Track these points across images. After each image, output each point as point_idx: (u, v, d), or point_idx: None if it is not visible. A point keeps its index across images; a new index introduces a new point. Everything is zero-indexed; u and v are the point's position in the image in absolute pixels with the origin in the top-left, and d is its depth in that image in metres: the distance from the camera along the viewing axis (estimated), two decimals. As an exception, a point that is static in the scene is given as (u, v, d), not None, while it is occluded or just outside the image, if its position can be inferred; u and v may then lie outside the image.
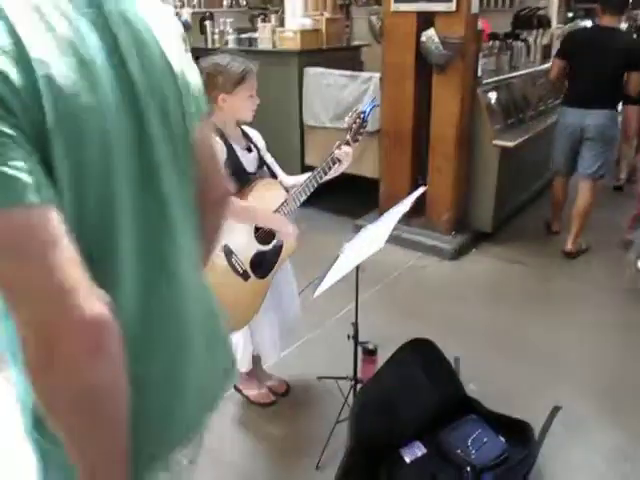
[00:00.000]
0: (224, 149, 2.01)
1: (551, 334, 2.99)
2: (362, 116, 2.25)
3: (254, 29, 4.79)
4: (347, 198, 4.58)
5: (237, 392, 2.56)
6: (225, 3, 5.66)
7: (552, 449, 2.22)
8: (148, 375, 0.83)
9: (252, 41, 4.70)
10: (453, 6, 3.35)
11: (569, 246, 3.80)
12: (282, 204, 2.12)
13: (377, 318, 3.15)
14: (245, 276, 2.06)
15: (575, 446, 2.26)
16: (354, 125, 2.25)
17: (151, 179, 0.80)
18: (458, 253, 3.89)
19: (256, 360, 2.55)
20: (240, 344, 2.30)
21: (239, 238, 2.04)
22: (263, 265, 2.12)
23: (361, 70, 4.84)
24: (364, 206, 4.37)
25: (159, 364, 0.86)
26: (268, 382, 2.60)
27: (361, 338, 2.53)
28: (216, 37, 4.83)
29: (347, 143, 2.24)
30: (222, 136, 2.03)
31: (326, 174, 2.20)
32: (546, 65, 4.86)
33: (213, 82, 1.98)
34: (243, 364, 2.36)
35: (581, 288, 3.47)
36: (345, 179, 4.51)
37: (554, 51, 4.99)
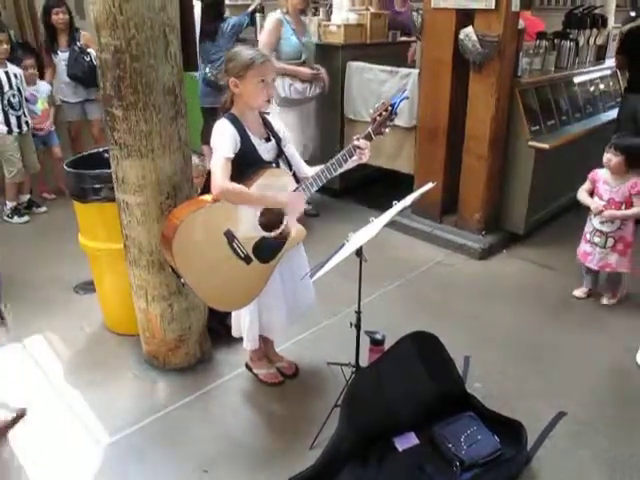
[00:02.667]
0: (237, 137, 2.10)
1: (570, 342, 2.94)
2: (390, 109, 2.26)
3: (304, 22, 4.86)
4: (382, 193, 4.60)
5: (248, 370, 2.68)
6: (278, -5, 5.75)
7: (552, 454, 2.22)
8: None
9: (300, 34, 4.78)
10: (492, 4, 3.31)
11: None
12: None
13: (395, 310, 3.20)
14: (247, 260, 2.14)
15: (576, 454, 2.23)
16: (379, 117, 2.27)
17: None
18: (487, 253, 3.86)
19: (268, 342, 2.65)
20: (246, 323, 2.40)
21: (243, 224, 2.12)
22: (267, 251, 2.19)
23: (413, 66, 4.83)
24: (398, 201, 4.38)
25: None
26: (278, 363, 2.69)
27: (376, 328, 2.60)
28: (265, 29, 4.93)
29: (368, 136, 2.27)
30: (238, 124, 2.13)
31: (341, 166, 2.25)
32: (598, 67, 4.72)
33: (227, 68, 2.09)
34: (249, 342, 2.46)
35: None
36: (382, 174, 4.59)
37: (609, 52, 4.85)
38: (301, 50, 4.07)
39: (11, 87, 4.22)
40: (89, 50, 4.64)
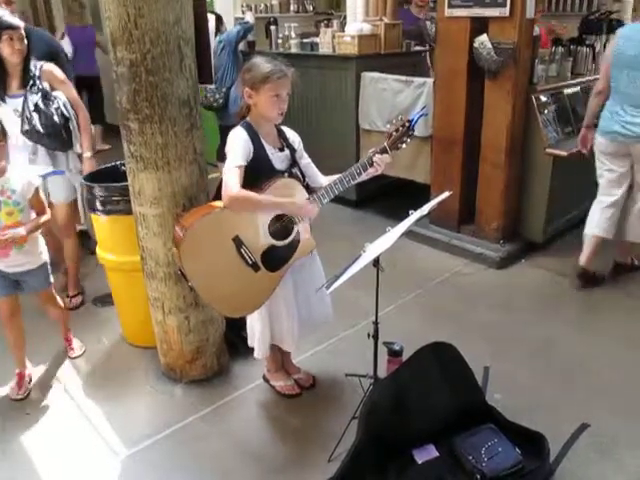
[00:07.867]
0: (251, 145, 2.12)
1: (592, 352, 2.88)
2: (408, 125, 2.24)
3: (318, 34, 4.90)
4: (401, 203, 4.57)
5: (265, 382, 2.66)
6: (292, 8, 5.82)
7: (576, 467, 2.16)
8: None
9: (314, 46, 4.81)
10: (507, 11, 3.29)
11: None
12: None
13: (413, 321, 3.17)
14: (255, 267, 2.14)
15: (600, 466, 2.18)
16: (395, 133, 2.25)
17: None
18: (506, 262, 3.81)
19: (285, 353, 2.64)
20: (257, 331, 2.40)
21: (252, 231, 2.13)
22: (275, 259, 2.19)
23: (428, 75, 4.83)
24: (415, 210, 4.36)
25: None
26: (296, 375, 2.68)
27: (394, 339, 2.57)
28: (279, 41, 4.98)
29: (384, 150, 2.25)
30: (252, 132, 2.14)
31: (355, 179, 2.24)
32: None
33: (243, 78, 2.12)
34: (259, 351, 2.45)
35: (633, 306, 3.31)
36: (400, 184, 4.57)
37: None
38: None
39: None
40: (55, 94, 3.05)
